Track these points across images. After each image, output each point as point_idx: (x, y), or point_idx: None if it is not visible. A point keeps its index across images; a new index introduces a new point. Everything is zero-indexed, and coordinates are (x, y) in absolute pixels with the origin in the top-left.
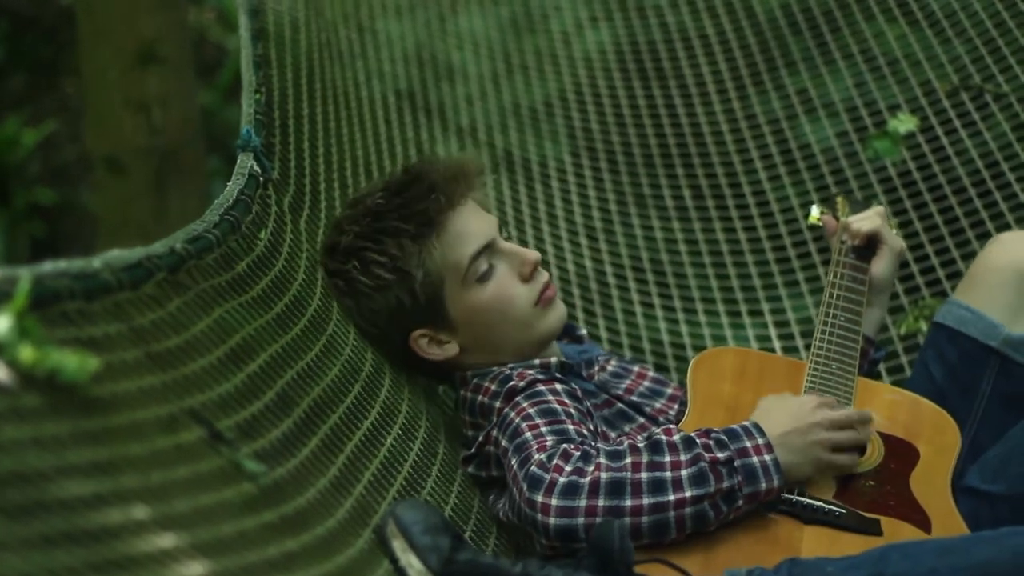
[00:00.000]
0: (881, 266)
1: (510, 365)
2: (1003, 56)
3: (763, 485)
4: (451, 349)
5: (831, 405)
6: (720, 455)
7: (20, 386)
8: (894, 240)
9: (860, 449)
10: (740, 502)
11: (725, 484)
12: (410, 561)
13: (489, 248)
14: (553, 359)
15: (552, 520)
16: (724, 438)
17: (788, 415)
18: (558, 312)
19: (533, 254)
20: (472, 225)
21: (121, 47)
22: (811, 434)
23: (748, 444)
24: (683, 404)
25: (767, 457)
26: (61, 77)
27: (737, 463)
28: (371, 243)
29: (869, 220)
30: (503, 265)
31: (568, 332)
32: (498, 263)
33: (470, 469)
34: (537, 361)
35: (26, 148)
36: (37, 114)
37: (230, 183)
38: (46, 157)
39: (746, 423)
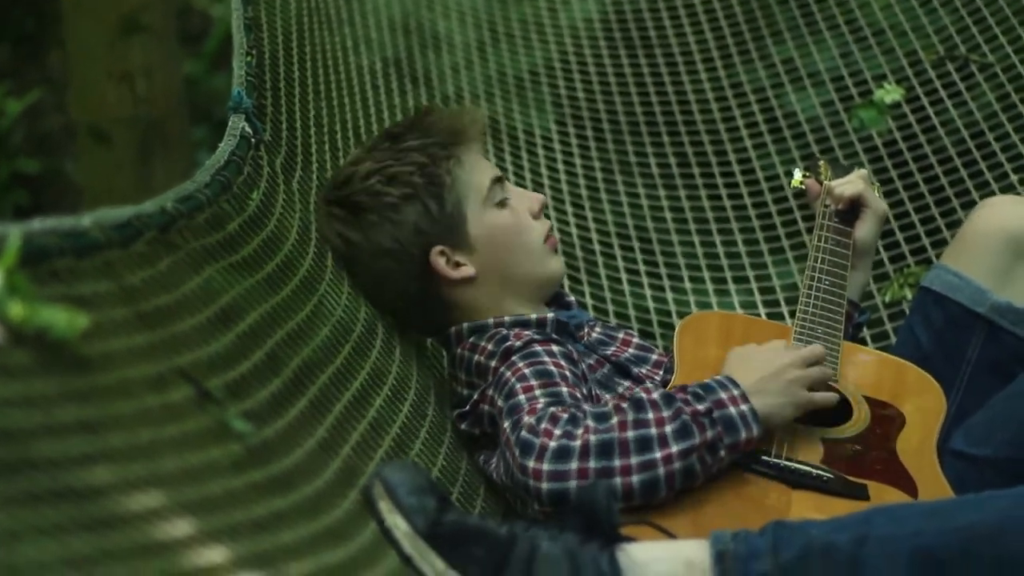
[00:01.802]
0: (864, 229)
1: (508, 320)
2: (988, 26)
3: (742, 435)
4: (467, 271)
5: (796, 347)
6: (699, 407)
7: (9, 343)
8: (877, 203)
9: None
10: (722, 453)
11: (709, 435)
12: (396, 522)
13: (503, 180)
14: (550, 315)
15: (544, 485)
16: (700, 391)
17: (758, 362)
18: (560, 261)
19: (541, 195)
20: (484, 161)
21: (105, 17)
22: (785, 374)
23: (723, 395)
24: (668, 371)
25: (744, 407)
26: (46, 48)
27: (716, 414)
28: (394, 159)
29: (852, 184)
30: (515, 200)
31: (556, 299)
32: (512, 199)
33: (463, 426)
34: (534, 316)
35: (9, 118)
36: (21, 85)
37: (222, 144)
38: (30, 127)
39: (718, 376)
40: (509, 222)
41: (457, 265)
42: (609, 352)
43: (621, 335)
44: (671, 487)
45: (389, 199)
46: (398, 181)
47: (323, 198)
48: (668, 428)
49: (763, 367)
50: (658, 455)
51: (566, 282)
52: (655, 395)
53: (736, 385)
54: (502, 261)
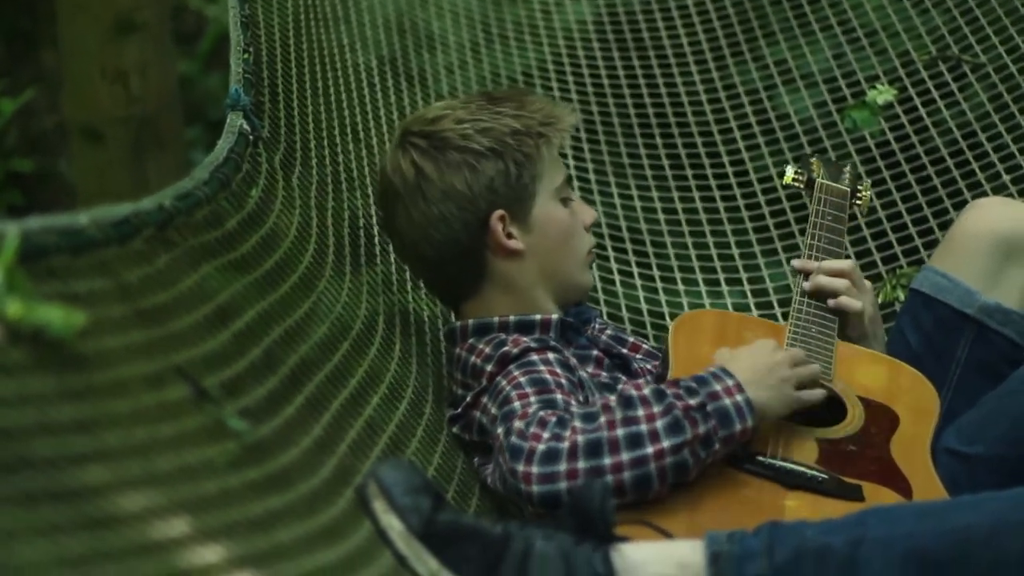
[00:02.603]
0: (850, 328)
1: (512, 320)
2: (981, 27)
3: (737, 426)
4: (517, 244)
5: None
6: (692, 401)
7: (7, 341)
8: (854, 304)
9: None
10: (717, 446)
11: (701, 429)
12: (391, 522)
13: (571, 182)
14: (555, 316)
15: (535, 488)
16: (693, 384)
17: (751, 356)
18: (592, 278)
19: (595, 212)
20: (560, 159)
21: (99, 16)
22: (777, 371)
23: (718, 387)
24: (664, 367)
25: (739, 397)
26: (39, 47)
27: (710, 407)
28: (490, 116)
29: (832, 283)
30: (576, 206)
31: None
32: (573, 204)
33: (455, 430)
34: (539, 317)
35: (3, 117)
36: (15, 84)
37: (220, 141)
38: (24, 126)
39: (712, 368)
40: (567, 221)
41: (510, 236)
42: (614, 350)
43: (631, 340)
44: (663, 482)
45: (477, 146)
46: (491, 135)
47: (404, 129)
48: (659, 424)
49: (755, 362)
50: (650, 451)
51: None
52: (646, 391)
53: (730, 375)
54: (550, 252)
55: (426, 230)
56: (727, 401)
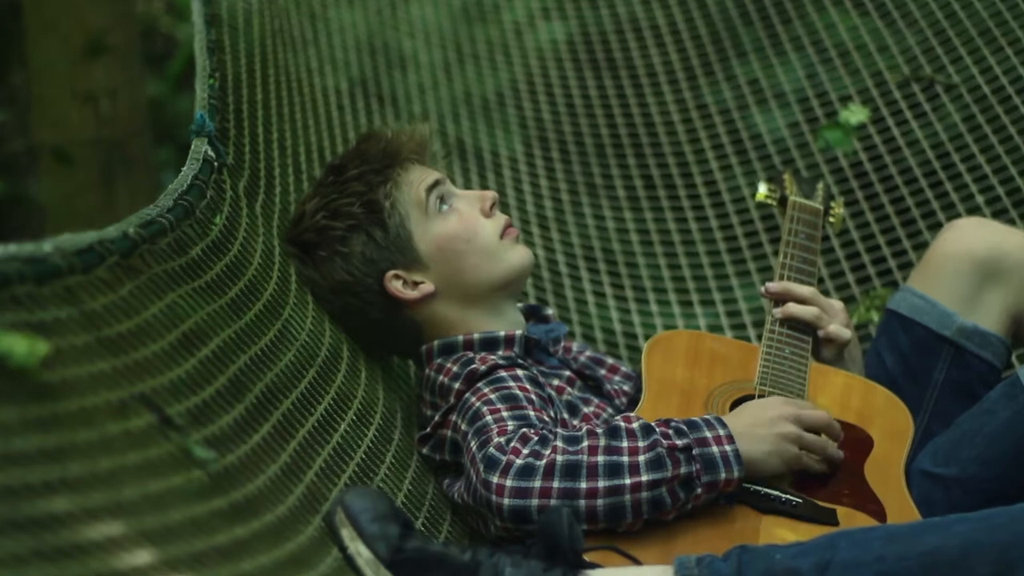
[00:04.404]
0: (829, 353)
1: (477, 337)
2: (953, 47)
3: (722, 474)
4: (426, 288)
5: (802, 406)
6: (679, 442)
7: None
8: (843, 334)
9: (828, 462)
10: (699, 490)
11: (683, 470)
12: (359, 549)
13: (443, 184)
14: (518, 332)
15: (506, 501)
16: (684, 427)
17: (754, 408)
18: (524, 250)
19: (490, 192)
20: (423, 170)
21: (68, 38)
22: (776, 426)
23: (708, 434)
24: (638, 389)
25: (727, 447)
26: (9, 69)
27: (696, 451)
28: (337, 192)
29: (806, 310)
30: (462, 202)
31: (535, 312)
32: (457, 201)
33: (424, 451)
34: (503, 334)
35: None
36: None
37: (184, 168)
38: None
39: (707, 416)
40: (456, 228)
41: (415, 284)
42: (588, 371)
43: (610, 362)
44: (638, 515)
45: (335, 233)
46: (341, 214)
47: (282, 239)
48: (641, 458)
49: (758, 414)
50: (627, 482)
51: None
52: (634, 425)
53: (723, 425)
54: (458, 269)
55: (347, 321)
56: (715, 449)
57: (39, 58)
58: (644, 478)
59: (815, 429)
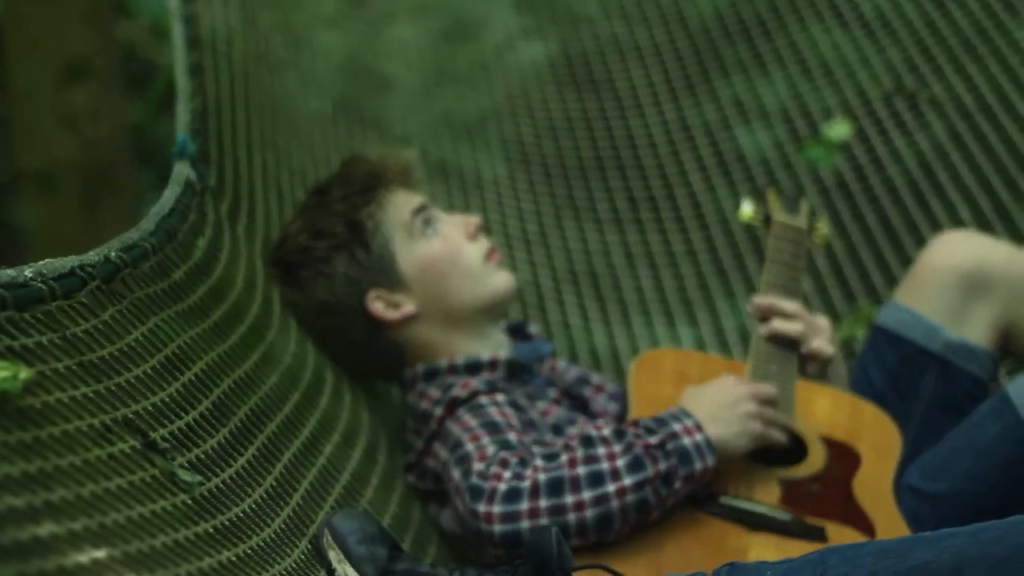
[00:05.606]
0: (815, 369)
1: (460, 362)
2: (935, 62)
3: (697, 465)
4: (407, 309)
5: (751, 383)
6: (651, 440)
7: None
8: (826, 350)
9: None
10: (678, 484)
11: (662, 467)
12: (346, 572)
13: (428, 208)
14: (502, 355)
15: (496, 527)
16: (652, 424)
17: (713, 393)
18: (507, 276)
19: (475, 217)
20: (408, 194)
21: (50, 61)
22: (740, 406)
23: (677, 427)
24: (624, 408)
25: (698, 437)
26: None
27: (669, 446)
28: (321, 212)
29: (791, 325)
30: (447, 226)
31: (518, 331)
32: (442, 225)
33: (410, 479)
34: (486, 357)
35: None
36: None
37: (166, 191)
38: None
39: (671, 408)
40: (440, 251)
41: (396, 306)
42: (575, 391)
43: (596, 381)
44: (625, 521)
45: (318, 253)
46: (325, 234)
47: (265, 261)
48: (620, 462)
49: (718, 398)
50: (611, 488)
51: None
52: (605, 431)
53: (689, 416)
54: (441, 291)
55: (329, 344)
56: (686, 440)
57: (20, 82)
58: (627, 481)
59: (769, 403)
